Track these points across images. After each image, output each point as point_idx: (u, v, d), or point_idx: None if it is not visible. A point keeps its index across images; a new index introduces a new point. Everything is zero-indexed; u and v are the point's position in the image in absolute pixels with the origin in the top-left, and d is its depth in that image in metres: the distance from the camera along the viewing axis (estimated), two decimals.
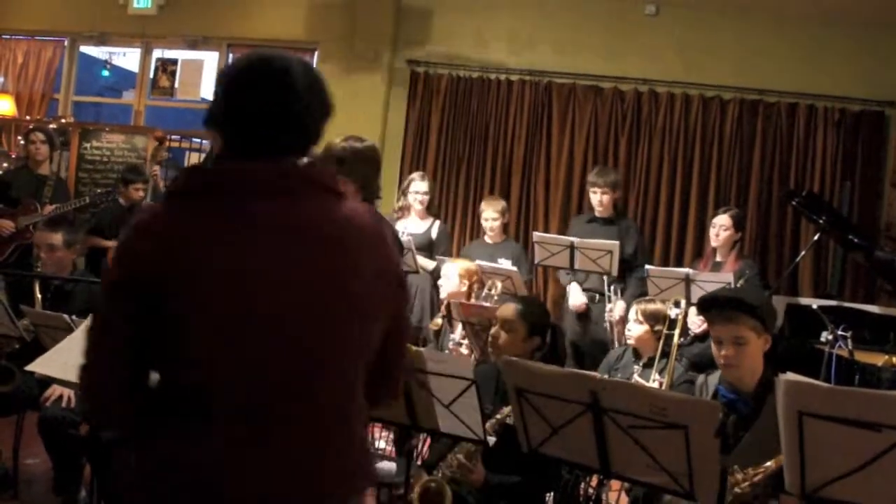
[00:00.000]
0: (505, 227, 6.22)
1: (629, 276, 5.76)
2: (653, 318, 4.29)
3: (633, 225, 6.19)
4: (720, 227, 5.64)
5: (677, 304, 4.67)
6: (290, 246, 1.61)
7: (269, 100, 1.66)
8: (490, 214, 6.00)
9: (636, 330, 4.33)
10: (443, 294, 5.01)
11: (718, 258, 5.69)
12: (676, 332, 4.27)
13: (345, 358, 1.69)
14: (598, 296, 5.82)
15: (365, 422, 1.82)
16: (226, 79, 1.72)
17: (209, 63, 9.27)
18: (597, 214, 5.98)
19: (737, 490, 2.44)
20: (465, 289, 4.98)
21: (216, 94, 1.73)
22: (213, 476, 1.58)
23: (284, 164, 1.67)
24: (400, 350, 1.89)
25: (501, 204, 6.10)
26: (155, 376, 1.67)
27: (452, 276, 4.97)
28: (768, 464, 2.46)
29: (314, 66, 1.78)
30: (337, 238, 1.67)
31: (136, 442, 1.66)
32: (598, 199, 5.90)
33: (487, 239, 6.11)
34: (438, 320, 5.09)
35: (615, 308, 5.58)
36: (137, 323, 1.58)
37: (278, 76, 1.67)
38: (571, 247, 5.42)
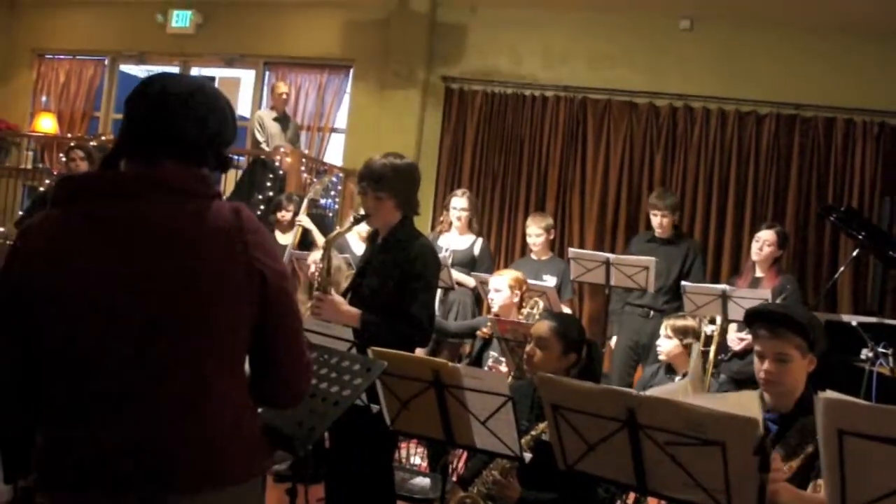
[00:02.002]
0: (552, 244, 6.19)
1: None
2: (682, 333, 4.31)
3: (695, 246, 6.17)
4: (764, 241, 5.55)
5: (713, 322, 4.63)
6: (139, 243, 1.72)
7: (143, 112, 1.80)
8: (534, 230, 5.96)
9: (666, 345, 4.33)
10: (495, 307, 4.92)
11: (758, 273, 5.61)
12: (712, 348, 4.25)
13: (192, 351, 1.74)
14: (651, 312, 5.80)
15: (233, 418, 1.82)
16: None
17: (246, 81, 9.38)
18: (657, 235, 5.99)
19: None
20: (517, 300, 4.85)
21: None
22: (78, 456, 1.72)
23: (142, 169, 1.78)
24: (283, 349, 1.89)
25: (546, 220, 6.05)
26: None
27: (503, 287, 4.84)
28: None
29: (216, 87, 1.91)
30: (182, 235, 1.75)
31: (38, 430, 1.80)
32: (658, 221, 5.96)
33: (532, 255, 6.09)
34: (486, 329, 5.00)
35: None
36: (18, 320, 1.72)
37: (155, 93, 1.79)
38: (607, 263, 5.39)
